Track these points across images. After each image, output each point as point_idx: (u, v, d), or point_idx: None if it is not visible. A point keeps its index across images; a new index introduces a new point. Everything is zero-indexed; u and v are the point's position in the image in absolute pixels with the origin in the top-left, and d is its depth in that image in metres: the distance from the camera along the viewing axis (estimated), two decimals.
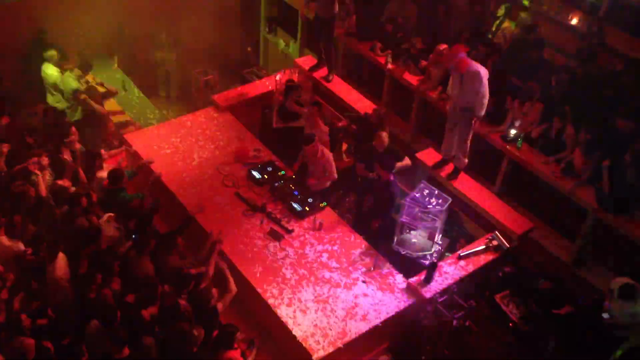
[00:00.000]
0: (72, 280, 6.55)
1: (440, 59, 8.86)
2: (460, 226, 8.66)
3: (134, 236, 7.08)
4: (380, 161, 7.82)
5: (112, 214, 7.18)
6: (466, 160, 8.38)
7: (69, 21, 10.46)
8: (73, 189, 7.51)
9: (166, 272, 6.71)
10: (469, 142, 8.20)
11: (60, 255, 6.62)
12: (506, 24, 10.06)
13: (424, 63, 9.52)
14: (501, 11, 10.16)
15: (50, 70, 9.32)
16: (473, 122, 7.96)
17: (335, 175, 8.22)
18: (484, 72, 7.67)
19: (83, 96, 9.38)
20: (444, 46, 8.92)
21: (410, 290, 7.19)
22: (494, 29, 9.71)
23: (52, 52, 9.34)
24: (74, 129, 8.31)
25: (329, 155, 8.13)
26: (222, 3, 12.02)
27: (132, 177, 7.96)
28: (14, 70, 9.77)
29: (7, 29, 9.88)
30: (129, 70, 11.43)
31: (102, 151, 8.26)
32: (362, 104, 9.58)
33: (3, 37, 9.83)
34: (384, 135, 7.98)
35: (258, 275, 7.14)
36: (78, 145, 8.21)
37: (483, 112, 7.86)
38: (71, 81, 9.34)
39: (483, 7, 9.78)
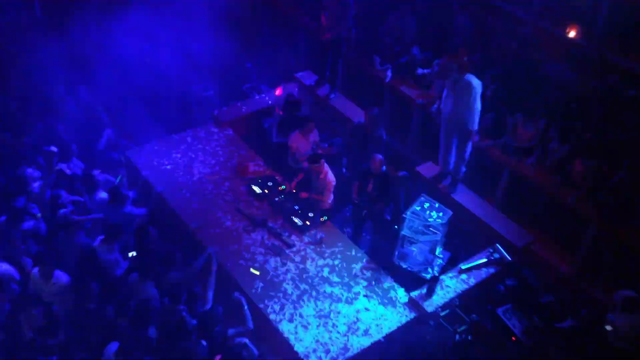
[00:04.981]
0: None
1: (443, 67, 8.91)
2: (460, 239, 8.64)
3: (130, 255, 7.07)
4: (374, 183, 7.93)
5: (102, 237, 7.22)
6: (464, 169, 8.39)
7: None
8: None
9: (167, 287, 6.73)
10: (467, 154, 8.21)
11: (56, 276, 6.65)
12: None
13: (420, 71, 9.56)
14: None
15: None
16: (471, 136, 7.98)
17: (328, 203, 8.13)
18: (477, 85, 7.68)
19: None
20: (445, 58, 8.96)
21: (412, 304, 7.16)
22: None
23: None
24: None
25: (332, 180, 8.05)
26: (224, 18, 12.08)
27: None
28: (18, 89, 9.78)
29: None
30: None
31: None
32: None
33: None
34: (378, 160, 7.99)
35: (259, 290, 7.12)
36: None
37: (476, 126, 7.86)
38: None
39: (482, 21, 9.82)
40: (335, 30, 9.38)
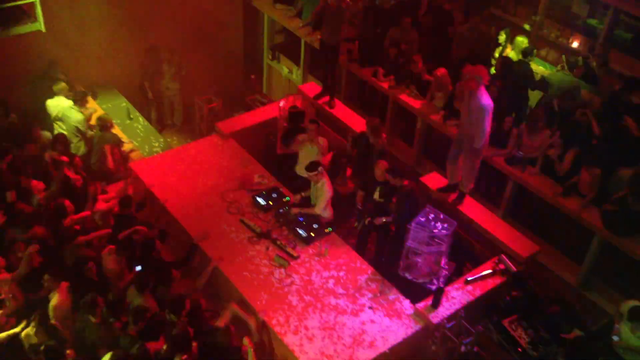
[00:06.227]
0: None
1: (443, 82, 8.93)
2: (466, 250, 8.61)
3: (136, 267, 7.06)
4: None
5: (112, 246, 7.18)
6: (472, 185, 8.37)
7: (77, 53, 10.57)
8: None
9: (167, 300, 6.73)
10: (476, 169, 8.18)
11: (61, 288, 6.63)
12: (508, 50, 10.13)
13: (426, 77, 9.55)
14: (502, 37, 10.24)
15: (57, 102, 9.31)
16: (473, 153, 7.95)
17: (322, 213, 8.07)
18: (486, 104, 7.61)
19: (90, 133, 9.40)
20: (442, 70, 8.98)
21: (417, 316, 7.13)
22: (496, 54, 9.79)
23: (62, 85, 9.35)
24: (78, 159, 8.41)
25: (328, 189, 7.98)
26: (225, 30, 12.17)
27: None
28: (21, 102, 9.81)
29: (16, 60, 9.96)
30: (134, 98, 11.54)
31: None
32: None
33: (12, 69, 9.90)
34: (382, 167, 7.98)
35: (264, 302, 7.10)
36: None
37: (480, 145, 7.81)
38: (75, 113, 9.28)
39: (484, 33, 9.86)
40: (332, 38, 9.42)
